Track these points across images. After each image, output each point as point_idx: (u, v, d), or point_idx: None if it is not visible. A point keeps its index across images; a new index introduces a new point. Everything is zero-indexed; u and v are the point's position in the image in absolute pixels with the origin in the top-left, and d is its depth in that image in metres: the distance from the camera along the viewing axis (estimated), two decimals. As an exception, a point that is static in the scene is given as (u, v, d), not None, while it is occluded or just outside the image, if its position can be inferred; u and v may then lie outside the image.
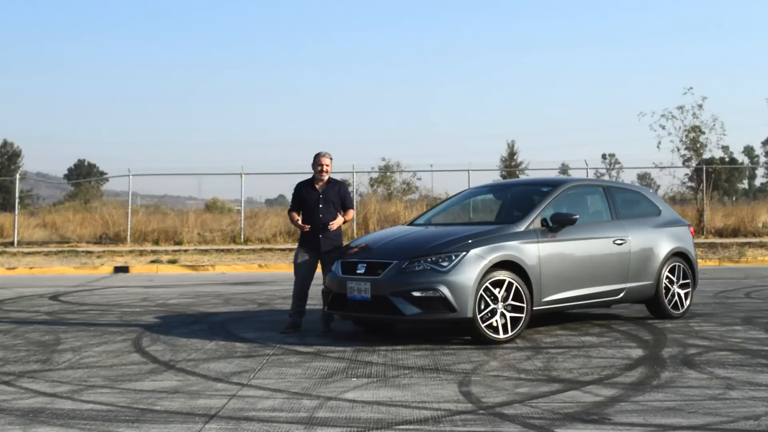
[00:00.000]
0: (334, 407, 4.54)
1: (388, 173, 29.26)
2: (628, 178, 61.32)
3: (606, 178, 34.77)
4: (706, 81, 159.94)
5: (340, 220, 7.67)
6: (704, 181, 25.02)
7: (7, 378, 5.51)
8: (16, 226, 23.94)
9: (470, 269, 6.56)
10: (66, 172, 75.38)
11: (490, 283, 6.64)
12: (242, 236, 23.79)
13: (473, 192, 9.22)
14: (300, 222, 7.62)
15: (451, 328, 7.46)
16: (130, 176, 24.45)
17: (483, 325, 6.58)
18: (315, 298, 8.75)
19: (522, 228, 7.08)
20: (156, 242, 23.30)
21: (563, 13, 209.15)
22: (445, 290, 6.48)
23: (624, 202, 8.30)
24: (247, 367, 5.85)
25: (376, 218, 23.66)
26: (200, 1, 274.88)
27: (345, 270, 7.07)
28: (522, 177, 32.89)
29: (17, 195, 25.44)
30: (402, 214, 23.89)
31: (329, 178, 7.83)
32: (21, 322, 8.62)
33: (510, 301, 6.71)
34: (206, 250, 20.88)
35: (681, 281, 8.26)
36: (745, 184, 67.31)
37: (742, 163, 64.49)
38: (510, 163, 58.45)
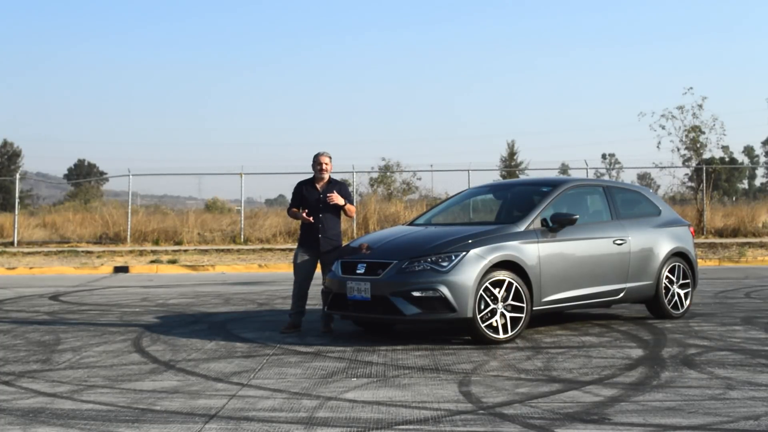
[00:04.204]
0: (334, 407, 4.54)
1: (388, 173, 29.28)
2: (628, 178, 61.41)
3: (606, 178, 34.77)
4: (706, 81, 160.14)
5: (341, 200, 7.60)
6: (704, 181, 25.02)
7: (7, 378, 5.51)
8: (16, 226, 23.94)
9: (470, 269, 6.56)
10: (66, 172, 75.36)
11: (490, 283, 6.64)
12: (242, 236, 23.80)
13: (473, 192, 9.22)
14: (304, 214, 7.58)
15: (451, 328, 7.47)
16: (130, 176, 24.45)
17: (483, 325, 6.59)
18: (315, 298, 8.75)
19: (522, 228, 7.08)
20: (156, 242, 23.30)
21: (563, 14, 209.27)
22: (445, 290, 6.48)
23: (624, 202, 8.31)
24: (247, 367, 5.86)
25: (376, 218, 23.67)
26: (200, 2, 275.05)
27: (345, 270, 7.07)
28: (522, 177, 32.88)
29: (17, 195, 25.43)
30: (402, 214, 23.89)
31: (330, 177, 7.84)
32: (21, 322, 8.62)
33: (510, 301, 6.71)
34: (206, 250, 20.89)
35: (681, 281, 8.26)
36: (745, 184, 67.33)
37: (742, 163, 64.47)
38: (510, 163, 58.50)
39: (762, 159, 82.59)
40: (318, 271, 7.71)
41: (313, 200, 7.67)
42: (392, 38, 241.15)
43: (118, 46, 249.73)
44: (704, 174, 25.20)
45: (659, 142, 26.09)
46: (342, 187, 7.87)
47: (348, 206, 7.72)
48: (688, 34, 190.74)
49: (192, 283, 13.58)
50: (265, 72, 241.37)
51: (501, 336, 6.64)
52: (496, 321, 6.64)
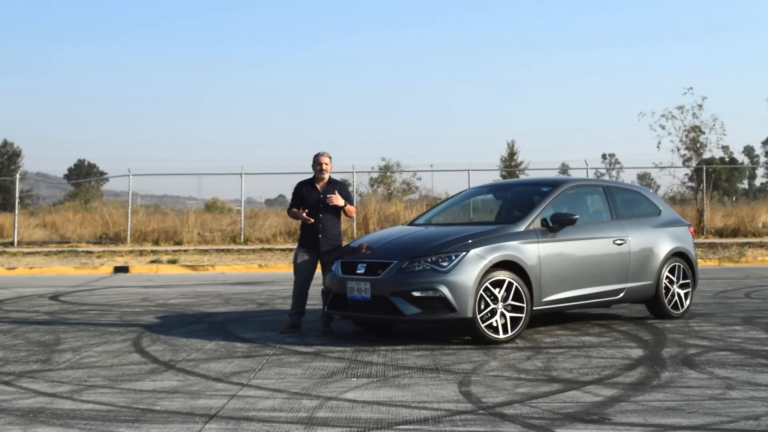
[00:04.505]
0: (334, 407, 4.54)
1: (388, 173, 29.29)
2: (628, 178, 61.38)
3: (606, 178, 34.76)
4: (706, 81, 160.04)
5: (341, 201, 7.61)
6: (704, 181, 25.02)
7: (7, 378, 5.51)
8: (16, 226, 23.94)
9: (470, 269, 6.56)
10: (66, 172, 75.33)
11: (490, 283, 6.64)
12: (242, 236, 23.79)
13: (473, 192, 9.22)
14: (305, 214, 7.57)
15: (451, 328, 7.47)
16: (130, 176, 24.45)
17: (483, 325, 6.59)
18: (315, 298, 8.75)
19: (522, 228, 7.08)
20: (156, 242, 23.30)
21: (563, 14, 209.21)
22: (445, 290, 6.48)
23: (624, 202, 8.31)
24: (247, 367, 5.86)
25: (376, 218, 23.67)
26: (200, 3, 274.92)
27: (345, 270, 7.07)
28: (522, 177, 32.87)
29: (17, 195, 25.43)
30: (402, 214, 23.89)
31: (330, 177, 7.84)
32: (21, 322, 8.62)
33: (510, 301, 6.71)
34: (206, 250, 20.89)
35: (681, 281, 8.26)
36: (745, 184, 67.32)
37: (742, 163, 64.44)
38: (510, 163, 58.48)
39: (762, 159, 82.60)
40: (318, 271, 7.71)
41: (313, 200, 7.67)
42: (392, 38, 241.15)
43: (118, 46, 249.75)
44: (704, 174, 25.20)
45: (659, 142, 26.13)
46: (342, 188, 7.87)
47: (348, 207, 7.71)
48: (688, 34, 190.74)
49: (192, 283, 13.58)
50: (264, 72, 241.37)
51: (501, 336, 6.64)
52: (496, 321, 6.64)
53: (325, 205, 7.62)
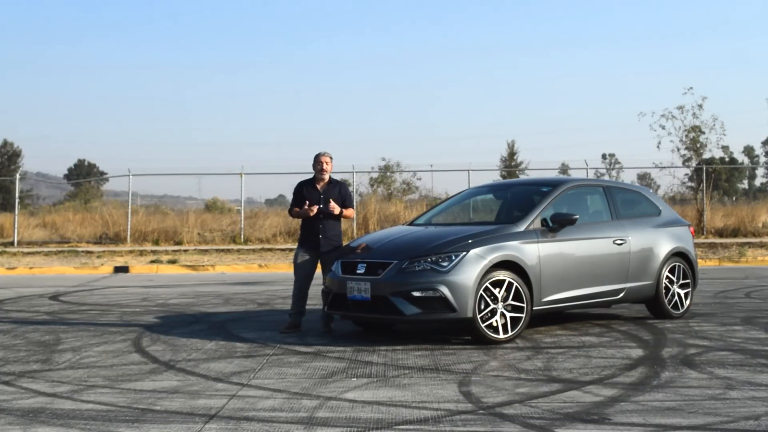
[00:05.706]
0: (334, 407, 4.54)
1: (388, 173, 29.30)
2: (628, 178, 61.42)
3: (606, 178, 34.76)
4: (706, 81, 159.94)
5: (338, 209, 7.63)
6: (704, 181, 25.02)
7: (7, 378, 5.51)
8: (16, 226, 23.94)
9: (470, 269, 6.56)
10: (66, 172, 75.32)
11: (490, 283, 6.64)
12: (242, 236, 23.79)
13: (473, 192, 9.22)
14: (306, 207, 7.56)
15: (451, 328, 7.47)
16: (130, 176, 24.45)
17: (483, 325, 6.59)
18: (315, 298, 8.75)
19: (522, 228, 7.08)
20: (156, 242, 23.30)
21: (563, 14, 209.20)
22: (445, 290, 6.48)
23: (624, 202, 8.31)
24: (247, 367, 5.86)
25: (376, 218, 23.67)
26: (200, 2, 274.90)
27: (345, 270, 7.07)
28: (522, 177, 32.86)
29: (17, 195, 25.42)
30: (402, 214, 23.89)
31: (330, 178, 7.84)
32: (21, 322, 8.62)
33: (510, 301, 6.71)
34: (206, 250, 20.89)
35: (681, 281, 8.26)
36: (745, 184, 67.30)
37: (742, 163, 64.44)
38: (510, 163, 58.47)
39: (762, 159, 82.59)
40: (318, 271, 7.71)
41: (314, 200, 7.67)
42: (392, 38, 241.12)
43: (118, 45, 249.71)
44: (704, 174, 25.21)
45: (659, 142, 26.16)
46: (342, 188, 7.88)
47: (345, 212, 7.72)
48: (688, 34, 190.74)
49: (192, 283, 13.58)
50: (265, 72, 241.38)
51: (501, 336, 6.64)
52: (496, 321, 6.64)
53: (325, 205, 7.62)
